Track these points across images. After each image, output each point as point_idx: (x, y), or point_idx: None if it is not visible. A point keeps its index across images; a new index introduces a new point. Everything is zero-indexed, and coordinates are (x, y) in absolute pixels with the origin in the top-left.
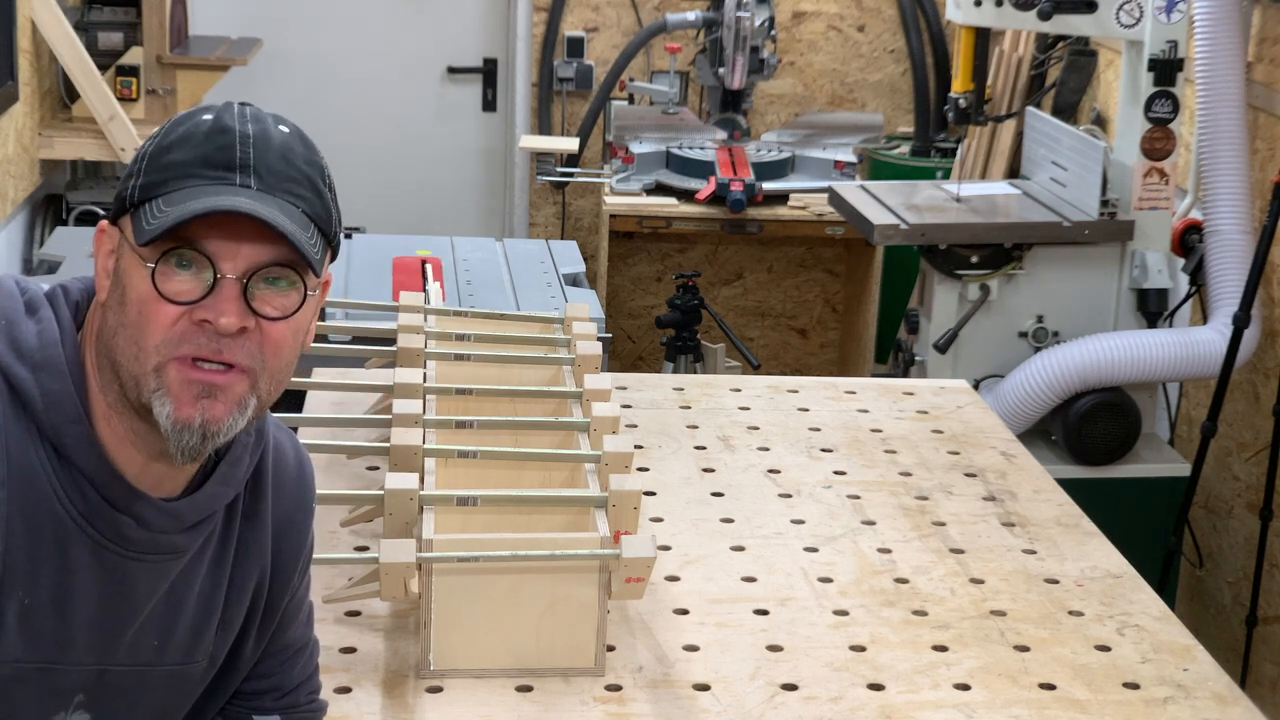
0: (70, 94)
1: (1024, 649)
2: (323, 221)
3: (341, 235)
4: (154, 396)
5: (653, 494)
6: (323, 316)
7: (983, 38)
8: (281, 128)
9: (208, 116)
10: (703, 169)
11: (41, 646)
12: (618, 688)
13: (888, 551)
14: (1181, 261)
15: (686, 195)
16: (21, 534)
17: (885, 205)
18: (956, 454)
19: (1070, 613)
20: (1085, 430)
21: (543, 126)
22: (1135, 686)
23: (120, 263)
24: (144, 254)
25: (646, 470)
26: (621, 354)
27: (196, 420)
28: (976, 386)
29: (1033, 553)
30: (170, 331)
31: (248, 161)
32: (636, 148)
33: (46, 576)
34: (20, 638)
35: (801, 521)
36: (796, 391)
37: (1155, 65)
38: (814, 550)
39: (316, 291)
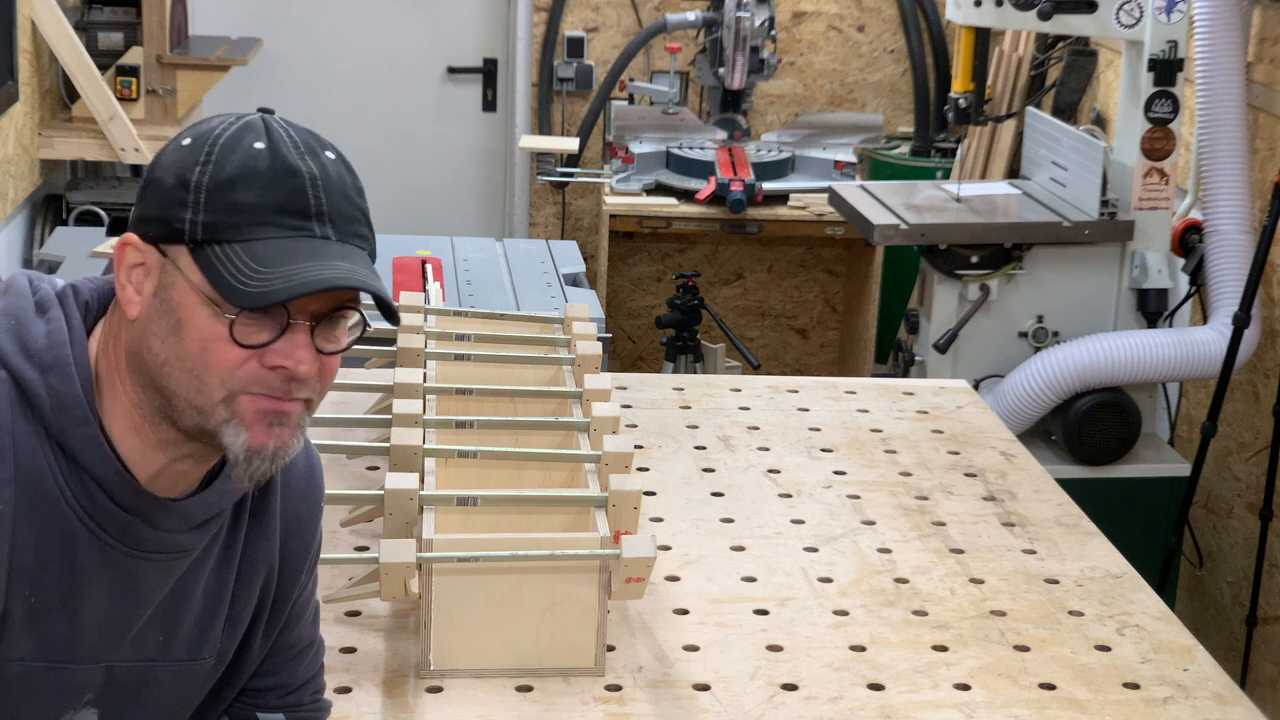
0: (70, 94)
1: (1024, 649)
2: (373, 249)
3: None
4: (225, 427)
5: (653, 494)
6: None
7: (983, 38)
8: (328, 154)
9: (260, 145)
10: (703, 169)
11: (49, 645)
12: (618, 688)
13: (888, 551)
14: (1181, 261)
15: (686, 195)
16: (29, 534)
17: (885, 205)
18: (956, 454)
19: (1070, 613)
20: (1085, 430)
21: (543, 126)
22: (1135, 686)
23: (173, 294)
24: (219, 299)
25: (646, 470)
26: (621, 354)
27: (270, 447)
28: (976, 386)
29: (1033, 553)
30: (240, 370)
31: (321, 208)
32: (636, 148)
33: (54, 576)
34: (28, 637)
35: (801, 521)
36: (796, 391)
37: (1155, 65)
38: (814, 550)
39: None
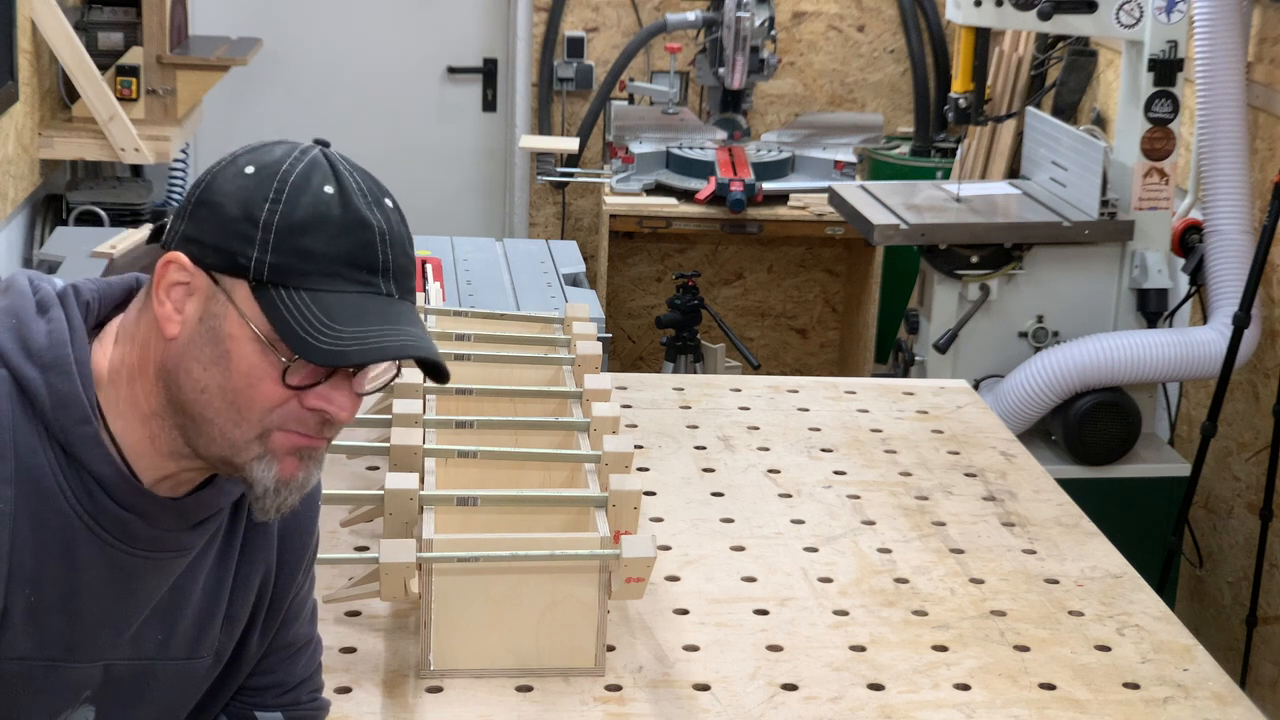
0: (70, 94)
1: (1024, 649)
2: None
3: None
4: (255, 462)
5: (653, 494)
6: None
7: (983, 38)
8: (388, 203)
9: (329, 190)
10: (703, 169)
11: (48, 644)
12: (618, 688)
13: (888, 551)
14: (1181, 261)
15: (686, 195)
16: (28, 533)
17: (885, 205)
18: (956, 454)
19: (1070, 613)
20: (1085, 430)
21: (543, 126)
22: (1135, 686)
23: (223, 324)
24: (274, 339)
25: (646, 470)
26: (621, 354)
27: (300, 479)
28: (976, 386)
29: (1033, 553)
30: (281, 408)
31: (389, 265)
32: (636, 148)
33: (53, 575)
34: (27, 635)
35: (801, 521)
36: (796, 391)
37: (1155, 65)
38: (814, 550)
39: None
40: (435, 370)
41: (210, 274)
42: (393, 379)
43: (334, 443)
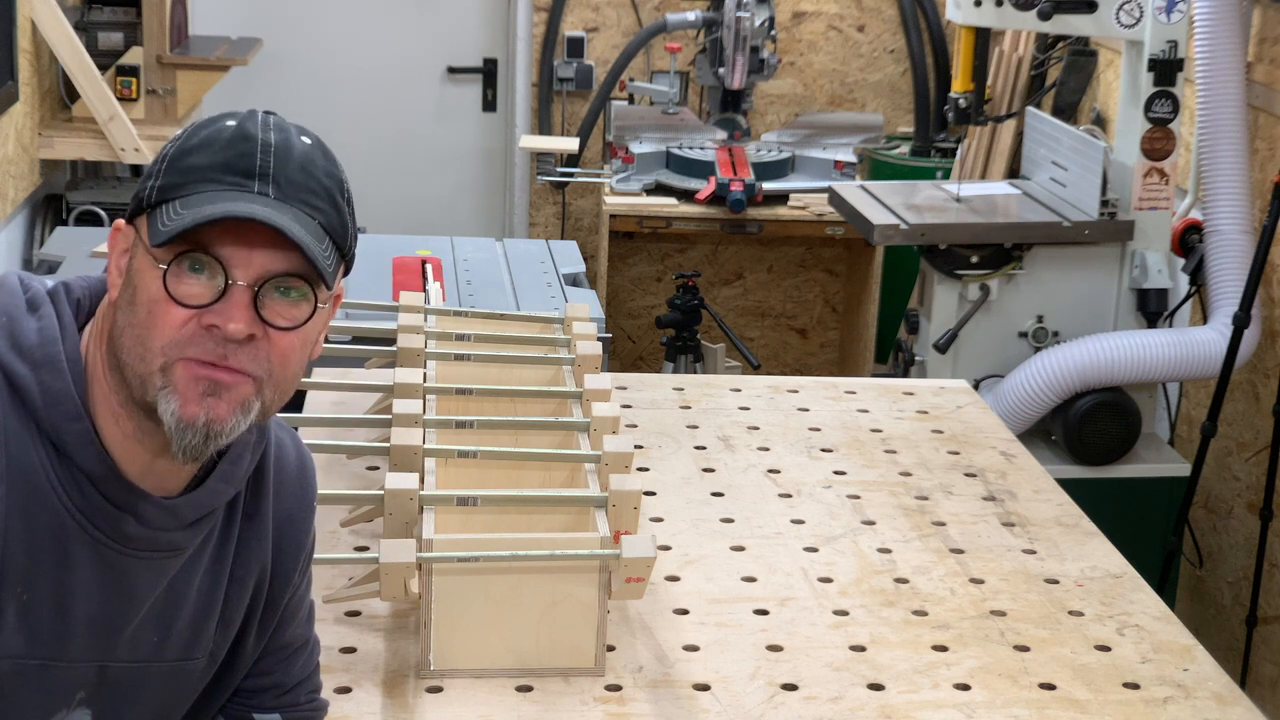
0: (70, 94)
1: (1024, 649)
2: (338, 235)
3: (355, 249)
4: (160, 395)
5: (653, 494)
6: None
7: (983, 38)
8: (304, 139)
9: (231, 123)
10: (703, 169)
11: (41, 643)
12: (618, 688)
13: (888, 551)
14: (1181, 261)
15: (686, 195)
16: (20, 531)
17: (885, 205)
18: (956, 454)
19: (1070, 613)
20: (1085, 430)
21: (543, 126)
22: (1135, 686)
23: (133, 262)
24: (157, 255)
25: (646, 470)
26: (621, 354)
27: (201, 419)
28: (976, 386)
29: (1033, 553)
30: (178, 333)
31: (267, 170)
32: (636, 148)
33: (45, 573)
34: (20, 634)
35: (801, 521)
36: (796, 391)
37: (1155, 65)
38: (814, 550)
39: (327, 304)
40: (312, 267)
41: (133, 224)
42: (314, 311)
43: (334, 443)
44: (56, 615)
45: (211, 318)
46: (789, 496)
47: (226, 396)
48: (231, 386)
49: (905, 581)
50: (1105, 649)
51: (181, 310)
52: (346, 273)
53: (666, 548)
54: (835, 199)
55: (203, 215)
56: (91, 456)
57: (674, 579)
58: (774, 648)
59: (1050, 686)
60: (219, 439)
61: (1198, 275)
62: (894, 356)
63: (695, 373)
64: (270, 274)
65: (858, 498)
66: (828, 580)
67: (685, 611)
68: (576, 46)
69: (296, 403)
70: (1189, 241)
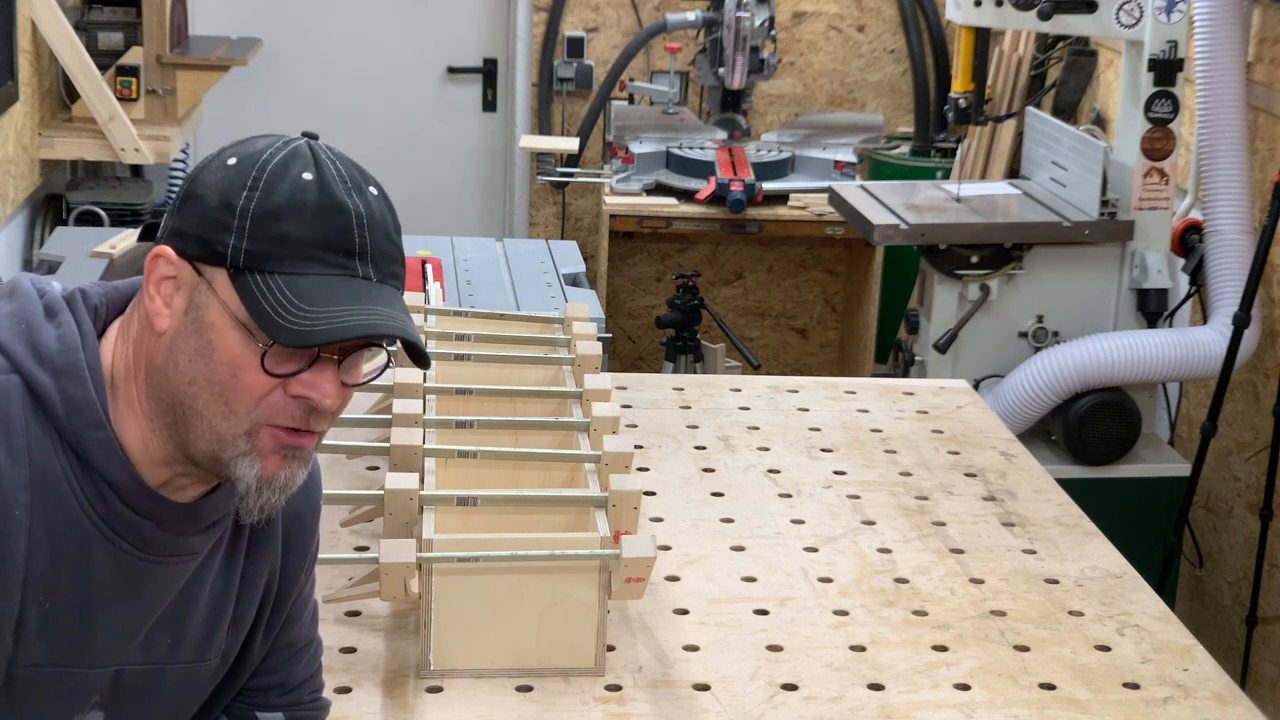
0: (70, 94)
1: (1024, 649)
2: (404, 287)
3: None
4: (240, 458)
5: (653, 494)
6: None
7: (983, 38)
8: (372, 190)
9: (308, 176)
10: (703, 169)
11: (61, 650)
12: (618, 688)
13: (888, 551)
14: (1181, 261)
15: (686, 195)
16: (44, 541)
17: (885, 205)
18: (956, 454)
19: (1070, 613)
20: (1085, 430)
21: (543, 126)
22: (1135, 686)
23: (205, 315)
24: (254, 328)
25: (646, 470)
26: (621, 354)
27: (282, 478)
28: (976, 386)
29: (1033, 553)
30: (266, 400)
31: (365, 248)
32: (636, 148)
33: (67, 581)
34: (40, 642)
35: (801, 521)
36: (796, 391)
37: (1155, 65)
38: (814, 550)
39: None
40: (415, 353)
41: (194, 265)
42: (383, 369)
43: (334, 443)
44: (77, 623)
45: (299, 388)
46: (789, 496)
47: (302, 455)
48: (307, 446)
49: (905, 581)
50: (1105, 649)
51: (269, 378)
52: None
53: (666, 548)
54: (835, 199)
55: (338, 331)
56: (114, 465)
57: (674, 579)
58: (774, 648)
59: (1050, 686)
60: (289, 493)
61: (1198, 275)
62: (894, 356)
63: (695, 373)
64: (356, 345)
65: (858, 498)
66: (828, 580)
67: (685, 611)
68: (576, 46)
69: None
70: (1189, 241)
